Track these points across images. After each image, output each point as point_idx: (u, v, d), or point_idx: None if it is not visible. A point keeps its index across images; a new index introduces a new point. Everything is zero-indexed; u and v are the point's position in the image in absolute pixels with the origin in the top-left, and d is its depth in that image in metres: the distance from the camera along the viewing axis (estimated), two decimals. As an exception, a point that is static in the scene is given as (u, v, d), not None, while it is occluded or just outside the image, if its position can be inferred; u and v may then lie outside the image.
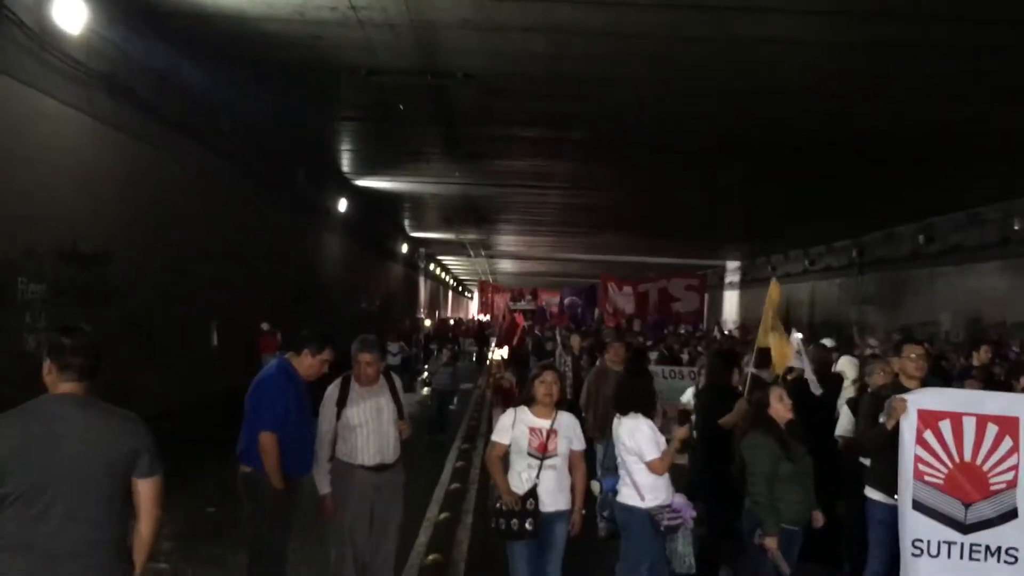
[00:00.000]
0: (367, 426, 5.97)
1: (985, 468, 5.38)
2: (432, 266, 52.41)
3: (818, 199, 21.23)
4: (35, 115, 9.24)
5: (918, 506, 5.38)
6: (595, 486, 7.93)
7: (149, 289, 11.70)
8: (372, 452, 5.98)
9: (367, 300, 29.34)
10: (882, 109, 12.95)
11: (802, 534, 5.78)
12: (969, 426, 5.40)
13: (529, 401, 5.77)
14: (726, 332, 25.18)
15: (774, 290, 7.68)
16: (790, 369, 8.04)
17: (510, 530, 5.56)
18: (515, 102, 13.80)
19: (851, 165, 16.64)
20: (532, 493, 5.56)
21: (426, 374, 19.99)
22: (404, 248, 37.82)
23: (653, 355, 12.92)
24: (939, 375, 8.46)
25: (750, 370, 7.28)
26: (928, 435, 5.42)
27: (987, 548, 5.32)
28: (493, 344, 30.20)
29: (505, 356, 19.44)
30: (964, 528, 5.35)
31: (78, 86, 9.89)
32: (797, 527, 5.70)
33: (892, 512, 5.62)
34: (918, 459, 5.41)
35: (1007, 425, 5.38)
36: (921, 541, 5.35)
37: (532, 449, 5.63)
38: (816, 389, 7.48)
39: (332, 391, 6.05)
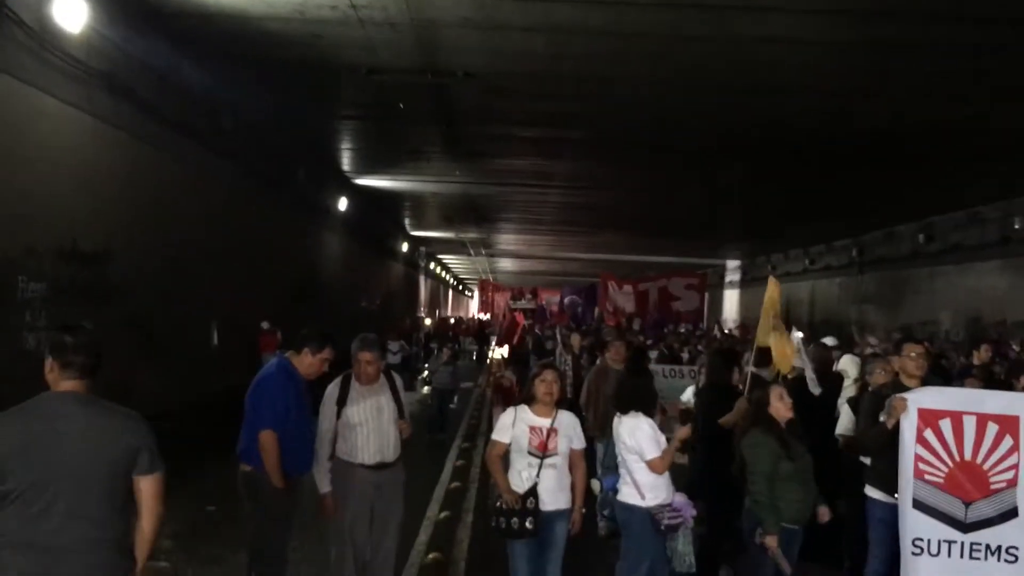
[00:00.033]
0: (367, 425, 5.97)
1: (985, 467, 5.38)
2: (432, 265, 52.41)
3: (818, 198, 21.23)
4: (35, 114, 9.24)
5: (918, 505, 5.38)
6: (595, 485, 7.94)
7: (149, 288, 11.70)
8: (372, 451, 5.98)
9: (367, 299, 29.35)
10: (882, 108, 12.95)
11: (802, 533, 5.78)
12: (969, 425, 5.40)
13: (529, 400, 5.77)
14: (726, 331, 25.15)
15: (773, 289, 7.67)
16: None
17: (510, 529, 5.57)
18: (515, 101, 13.80)
19: (851, 164, 16.64)
20: (532, 492, 5.57)
21: (426, 373, 20.00)
22: (404, 247, 37.83)
23: (653, 354, 12.91)
24: (939, 374, 8.46)
25: (750, 369, 7.29)
26: (928, 434, 5.42)
27: (987, 547, 5.32)
28: (493, 343, 30.21)
29: (505, 355, 19.46)
30: (964, 527, 5.35)
31: (78, 85, 9.89)
32: (797, 526, 5.70)
33: (892, 511, 5.62)
34: (918, 458, 5.41)
35: (1007, 424, 5.38)
36: (921, 540, 5.35)
37: (532, 448, 5.63)
38: (815, 388, 7.48)
39: (332, 390, 6.05)
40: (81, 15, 9.42)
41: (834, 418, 7.40)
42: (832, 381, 8.34)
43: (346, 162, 21.69)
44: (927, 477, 5.40)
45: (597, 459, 8.48)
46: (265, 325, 16.57)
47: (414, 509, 7.64)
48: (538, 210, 27.06)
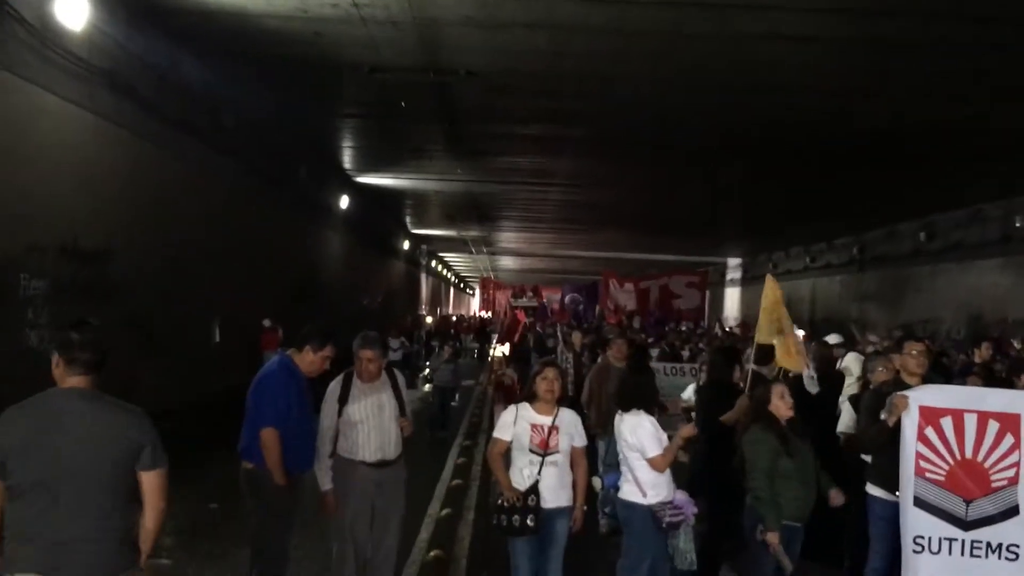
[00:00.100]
0: (368, 422, 5.98)
1: (986, 465, 5.38)
2: (434, 263, 52.45)
3: (819, 197, 21.24)
4: (37, 111, 9.25)
5: (919, 503, 5.38)
6: (597, 482, 7.93)
7: (150, 287, 11.70)
8: (373, 448, 5.99)
9: (369, 297, 29.35)
10: (882, 108, 12.96)
11: (803, 531, 5.79)
12: (970, 423, 5.40)
13: (531, 398, 5.78)
14: (727, 329, 25.17)
15: (774, 288, 7.65)
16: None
17: (511, 526, 5.57)
18: (517, 99, 13.81)
19: (851, 164, 16.65)
20: (533, 489, 5.57)
21: (428, 371, 19.98)
22: (406, 245, 37.85)
23: (654, 352, 12.91)
24: (940, 372, 8.46)
25: (751, 367, 7.29)
26: (929, 432, 5.42)
27: (988, 545, 5.32)
28: (494, 341, 30.22)
29: (507, 353, 19.45)
30: (965, 525, 5.35)
31: (80, 82, 9.90)
32: (798, 523, 5.71)
33: (893, 508, 5.62)
34: (919, 456, 5.41)
35: (1008, 422, 5.38)
36: (922, 538, 5.35)
37: (534, 446, 5.63)
38: (812, 387, 7.48)
39: (334, 387, 6.05)
40: (82, 12, 9.44)
41: (835, 416, 7.40)
42: (833, 379, 8.34)
43: (348, 160, 21.69)
44: (928, 475, 5.40)
45: (599, 457, 8.48)
46: (266, 323, 16.58)
47: (415, 506, 7.65)
48: (539, 208, 27.07)
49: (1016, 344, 13.39)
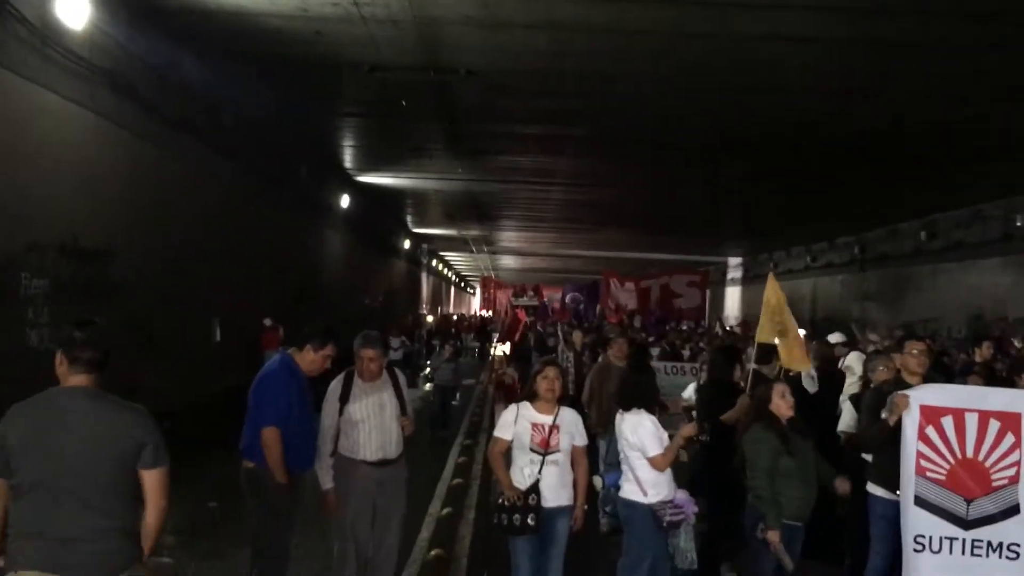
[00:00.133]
0: (369, 421, 5.98)
1: (987, 464, 5.38)
2: (434, 262, 52.44)
3: (819, 196, 21.23)
4: (37, 110, 9.25)
5: (920, 502, 5.38)
6: (597, 481, 7.93)
7: (149, 286, 11.69)
8: (374, 448, 6.00)
9: (369, 296, 29.35)
10: (882, 109, 12.95)
11: (804, 530, 5.79)
12: (971, 422, 5.40)
13: (531, 397, 5.78)
14: (728, 328, 25.17)
15: (776, 289, 7.65)
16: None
17: (512, 525, 5.58)
18: (517, 98, 13.81)
19: (852, 164, 16.64)
20: (534, 488, 5.58)
21: (428, 370, 19.99)
22: (407, 244, 37.84)
23: (655, 351, 12.91)
24: (941, 371, 8.46)
25: (752, 366, 7.29)
26: (930, 431, 5.42)
27: (989, 544, 5.32)
28: (495, 340, 30.23)
29: (507, 352, 19.46)
30: (966, 524, 5.35)
31: (80, 82, 9.90)
32: (799, 522, 5.71)
33: (894, 508, 5.62)
34: (920, 455, 5.41)
35: (1009, 421, 5.38)
36: (923, 537, 5.35)
37: (534, 445, 5.64)
38: (811, 387, 7.47)
39: (335, 386, 6.06)
40: (83, 12, 9.43)
41: (835, 415, 7.40)
42: (834, 378, 8.34)
43: (348, 159, 21.68)
44: (929, 474, 5.40)
45: (599, 456, 8.48)
46: (267, 322, 16.57)
47: (416, 505, 7.65)
48: (540, 207, 27.06)
49: (1017, 343, 13.38)
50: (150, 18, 10.86)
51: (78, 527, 3.51)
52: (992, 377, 7.93)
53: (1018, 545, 5.30)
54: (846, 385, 8.34)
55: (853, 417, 6.93)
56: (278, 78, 13.40)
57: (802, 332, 10.71)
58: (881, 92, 12.13)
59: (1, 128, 8.67)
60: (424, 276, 48.72)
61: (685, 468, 7.25)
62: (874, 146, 15.15)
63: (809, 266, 30.71)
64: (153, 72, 11.65)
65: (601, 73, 12.14)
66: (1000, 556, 5.30)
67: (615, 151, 17.70)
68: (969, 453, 5.38)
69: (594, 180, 21.35)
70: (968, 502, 5.36)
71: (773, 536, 5.48)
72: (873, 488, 6.03)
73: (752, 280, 36.89)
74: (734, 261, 40.63)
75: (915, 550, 5.37)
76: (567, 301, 39.53)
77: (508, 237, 38.61)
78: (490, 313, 47.56)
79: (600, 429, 8.49)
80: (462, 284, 78.90)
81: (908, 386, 5.80)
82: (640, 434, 5.88)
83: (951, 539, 5.33)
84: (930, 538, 5.34)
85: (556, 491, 5.64)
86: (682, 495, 5.93)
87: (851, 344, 11.17)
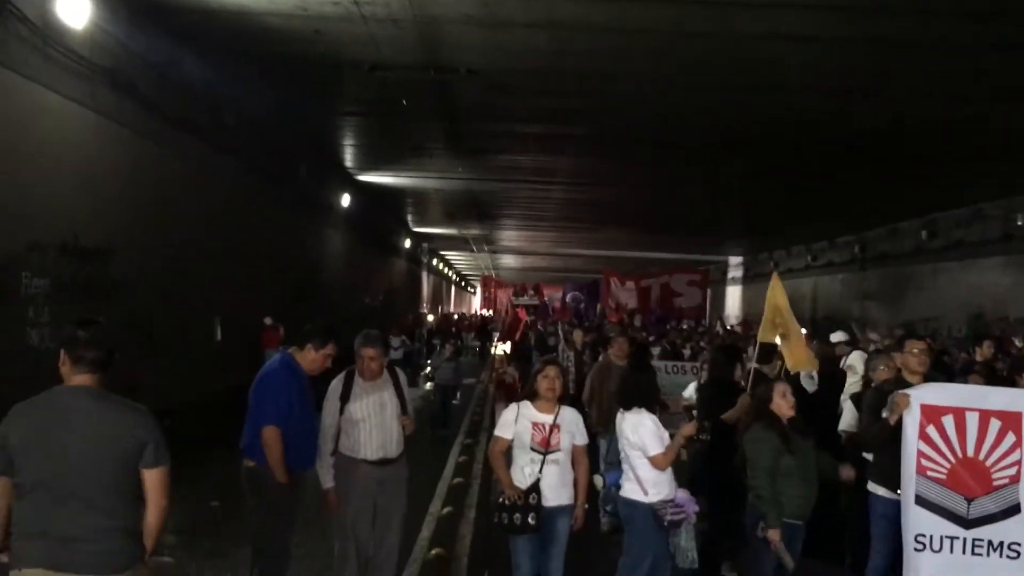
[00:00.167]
0: (370, 420, 5.98)
1: (988, 463, 5.37)
2: (435, 261, 52.44)
3: (820, 196, 21.24)
4: (38, 110, 9.25)
5: (921, 501, 5.38)
6: (598, 481, 7.94)
7: (150, 286, 11.69)
8: (375, 447, 5.99)
9: (370, 295, 29.35)
10: (882, 108, 12.95)
11: (804, 529, 5.79)
12: (972, 421, 5.39)
13: (532, 396, 5.78)
14: (728, 327, 25.17)
15: (779, 288, 7.65)
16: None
17: (512, 524, 5.58)
18: (518, 98, 13.81)
19: (852, 163, 16.65)
20: (535, 488, 5.58)
21: (429, 369, 19.99)
22: (407, 243, 37.84)
23: (655, 350, 12.91)
24: (942, 370, 8.46)
25: (753, 365, 7.29)
26: (931, 430, 5.42)
27: (989, 543, 5.32)
28: (496, 339, 30.22)
29: (508, 351, 19.45)
30: (966, 523, 5.34)
31: (81, 81, 9.90)
32: (799, 521, 5.71)
33: (895, 507, 5.62)
34: (921, 454, 5.41)
35: (1010, 420, 5.38)
36: (924, 536, 5.35)
37: (535, 444, 5.64)
38: (810, 386, 7.47)
39: (335, 386, 6.06)
40: (84, 11, 9.43)
41: (836, 415, 7.40)
42: (835, 377, 8.34)
43: (348, 158, 21.69)
44: (929, 473, 5.39)
45: (600, 455, 8.49)
46: (268, 321, 16.57)
47: (417, 505, 7.65)
48: (540, 206, 27.07)
49: (1018, 342, 13.39)
50: (150, 17, 10.86)
51: (80, 527, 3.52)
52: (993, 376, 7.93)
53: (1019, 544, 5.30)
54: (848, 384, 8.33)
55: (854, 416, 6.93)
56: (278, 77, 13.41)
57: (803, 331, 10.73)
58: (881, 91, 12.14)
59: (2, 127, 8.68)
60: (424, 275, 48.73)
61: (685, 467, 7.25)
62: (874, 145, 15.15)
63: (809, 265, 30.72)
64: (153, 71, 11.65)
65: (601, 72, 12.14)
66: (1001, 555, 5.30)
67: (615, 150, 17.71)
68: (970, 452, 5.38)
69: (594, 179, 21.36)
70: (969, 501, 5.36)
71: (774, 535, 5.48)
72: (874, 487, 6.03)
73: (753, 279, 36.90)
74: (734, 260, 40.63)
75: (916, 549, 5.36)
76: (567, 300, 39.52)
77: (508, 236, 38.62)
78: (491, 312, 47.56)
79: (601, 428, 8.48)
80: (463, 283, 78.91)
81: (909, 385, 5.80)
82: (641, 433, 5.88)
83: (952, 538, 5.33)
84: (931, 537, 5.34)
85: (557, 490, 5.64)
86: (683, 494, 5.93)
87: (853, 343, 11.17)
